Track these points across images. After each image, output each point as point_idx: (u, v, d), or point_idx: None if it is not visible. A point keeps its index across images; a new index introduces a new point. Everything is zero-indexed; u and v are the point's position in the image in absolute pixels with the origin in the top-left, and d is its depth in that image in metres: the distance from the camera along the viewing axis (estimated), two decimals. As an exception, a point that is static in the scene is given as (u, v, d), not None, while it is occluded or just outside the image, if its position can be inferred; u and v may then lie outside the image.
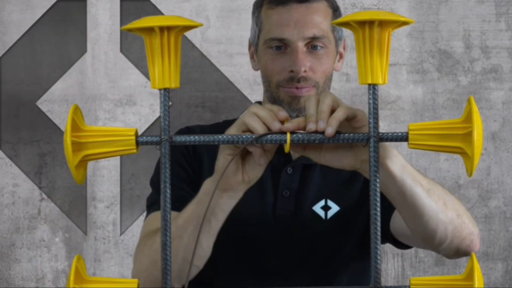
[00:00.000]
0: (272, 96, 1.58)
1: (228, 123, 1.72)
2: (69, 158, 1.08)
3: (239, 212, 1.54)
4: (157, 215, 1.52)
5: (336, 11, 1.62)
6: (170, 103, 1.09)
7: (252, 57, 1.65)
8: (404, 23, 1.04)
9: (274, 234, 1.57)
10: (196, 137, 1.13)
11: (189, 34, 2.52)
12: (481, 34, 2.58)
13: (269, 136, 1.13)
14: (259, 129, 1.17)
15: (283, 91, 1.56)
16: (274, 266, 1.57)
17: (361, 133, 1.11)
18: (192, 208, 1.32)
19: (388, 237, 1.55)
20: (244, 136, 1.15)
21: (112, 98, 2.57)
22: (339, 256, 1.58)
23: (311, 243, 1.57)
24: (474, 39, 2.58)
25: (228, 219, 1.44)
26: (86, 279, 1.08)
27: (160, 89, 1.08)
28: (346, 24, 1.04)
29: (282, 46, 1.55)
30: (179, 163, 1.58)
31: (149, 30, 1.05)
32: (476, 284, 1.03)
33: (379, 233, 1.04)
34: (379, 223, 1.05)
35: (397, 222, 1.49)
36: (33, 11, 2.58)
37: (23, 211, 2.56)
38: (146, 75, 2.55)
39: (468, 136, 1.05)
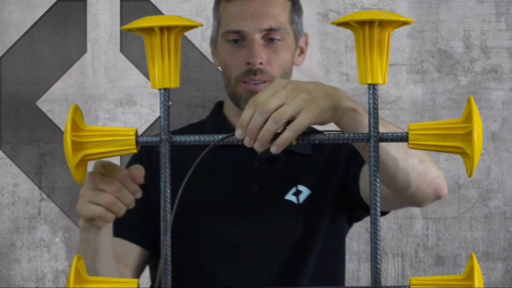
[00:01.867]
0: (232, 92, 1.58)
1: (192, 127, 1.72)
2: (69, 158, 1.08)
3: (209, 215, 1.54)
4: (117, 243, 1.54)
5: (295, 4, 1.62)
6: (170, 103, 1.09)
7: (213, 54, 1.65)
8: (404, 23, 1.04)
9: (248, 230, 1.56)
10: (196, 137, 1.13)
11: (189, 34, 2.52)
12: (481, 34, 2.58)
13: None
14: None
15: (241, 86, 1.55)
16: (250, 262, 1.56)
17: (361, 133, 1.10)
18: (81, 250, 1.38)
19: (363, 205, 1.54)
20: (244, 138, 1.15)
21: (112, 98, 2.57)
22: (313, 238, 1.58)
23: (287, 230, 1.57)
24: (474, 39, 2.58)
25: (196, 223, 1.45)
26: (86, 279, 1.08)
27: (160, 89, 1.08)
28: (346, 24, 1.04)
29: (239, 39, 1.55)
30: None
31: (149, 30, 1.05)
32: (476, 284, 1.03)
33: (379, 233, 1.04)
34: (379, 223, 1.05)
35: (364, 182, 1.50)
36: (33, 11, 2.58)
37: (23, 211, 2.56)
38: (146, 75, 2.55)
39: (468, 136, 1.05)
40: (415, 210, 2.57)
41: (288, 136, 1.12)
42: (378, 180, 1.06)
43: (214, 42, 1.64)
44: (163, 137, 1.08)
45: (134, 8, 2.57)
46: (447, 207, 2.57)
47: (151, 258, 1.60)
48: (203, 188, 1.56)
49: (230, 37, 1.56)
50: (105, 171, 1.23)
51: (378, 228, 1.04)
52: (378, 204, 1.05)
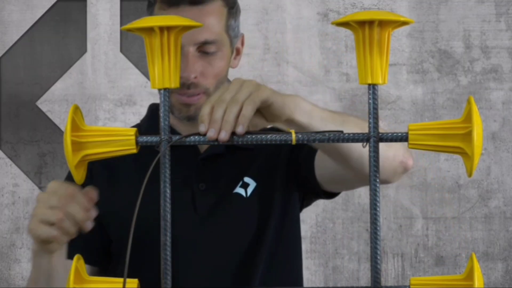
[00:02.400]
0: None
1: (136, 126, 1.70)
2: (69, 157, 1.08)
3: (159, 218, 1.53)
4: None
5: (232, 8, 1.58)
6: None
7: None
8: (404, 23, 1.04)
9: (200, 230, 1.56)
10: (196, 137, 1.13)
11: (189, 34, 2.52)
12: (481, 34, 2.58)
13: (272, 135, 1.13)
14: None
15: (174, 97, 1.53)
16: (205, 260, 1.56)
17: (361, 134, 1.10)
18: (32, 276, 1.39)
19: (318, 190, 1.55)
20: (244, 137, 1.15)
21: (112, 98, 2.57)
22: (265, 228, 1.58)
23: (239, 223, 1.57)
24: (474, 39, 2.58)
25: (148, 227, 1.46)
26: (86, 279, 1.08)
27: (160, 89, 1.08)
28: (346, 24, 1.04)
29: None
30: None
31: (149, 30, 1.05)
32: (476, 284, 1.03)
33: (379, 233, 1.04)
34: (379, 223, 1.05)
35: (321, 168, 1.51)
36: (33, 11, 2.58)
37: (23, 211, 2.56)
38: (146, 75, 2.55)
39: (468, 136, 1.05)
40: (415, 210, 2.57)
41: (247, 110, 1.16)
42: (378, 180, 1.06)
43: None
44: (163, 137, 1.08)
45: (134, 8, 2.57)
46: (447, 207, 2.57)
47: (104, 271, 1.60)
48: (152, 192, 1.56)
49: None
50: (58, 189, 1.26)
51: (378, 228, 1.04)
52: (378, 204, 1.05)
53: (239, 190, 1.58)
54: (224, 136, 1.14)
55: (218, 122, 1.15)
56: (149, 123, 1.66)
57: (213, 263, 1.56)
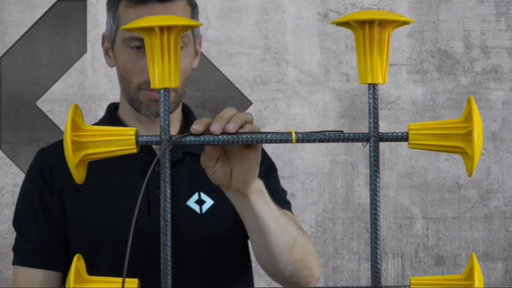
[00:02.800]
0: (131, 98, 1.55)
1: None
2: (69, 157, 1.08)
3: (114, 221, 1.52)
4: (23, 275, 1.58)
5: (194, 8, 1.58)
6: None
7: (107, 53, 1.60)
8: (404, 22, 1.04)
9: (151, 236, 1.53)
10: (196, 137, 1.13)
11: (189, 34, 2.52)
12: (481, 34, 2.58)
13: (272, 135, 1.13)
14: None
15: (143, 93, 1.53)
16: (154, 268, 1.55)
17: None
18: None
19: None
20: (244, 136, 1.15)
21: (112, 98, 2.57)
22: (218, 255, 1.57)
23: (189, 241, 1.54)
24: (474, 39, 2.58)
25: (106, 231, 1.47)
26: (86, 279, 1.08)
27: (160, 89, 1.08)
28: (346, 24, 1.04)
29: (142, 46, 1.51)
30: (39, 201, 1.59)
31: (149, 30, 1.05)
32: (476, 284, 1.03)
33: (379, 233, 1.04)
34: (379, 223, 1.05)
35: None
36: (33, 11, 2.58)
37: (23, 211, 2.56)
38: (146, 75, 2.55)
39: (468, 135, 1.05)
40: (415, 210, 2.57)
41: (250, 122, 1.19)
42: (378, 180, 1.06)
43: (108, 41, 1.59)
44: (163, 136, 1.08)
45: (134, 8, 2.57)
46: (447, 207, 2.57)
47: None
48: (114, 195, 1.55)
49: (132, 44, 1.52)
50: None
51: (378, 228, 1.04)
52: (378, 204, 1.05)
53: (194, 204, 1.56)
54: (232, 127, 1.15)
55: (225, 118, 1.16)
56: (107, 124, 1.61)
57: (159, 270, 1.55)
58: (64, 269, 1.56)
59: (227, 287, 1.55)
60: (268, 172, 1.61)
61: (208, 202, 1.57)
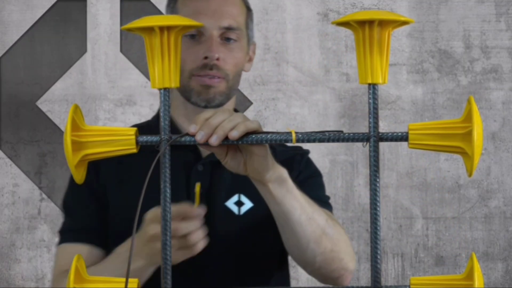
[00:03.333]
0: (183, 86, 1.58)
1: (137, 127, 1.71)
2: (69, 157, 1.08)
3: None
4: (68, 250, 1.56)
5: (249, 11, 1.64)
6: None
7: None
8: (404, 22, 1.04)
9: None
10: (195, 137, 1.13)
11: (189, 34, 2.52)
12: (481, 34, 2.58)
13: (272, 135, 1.13)
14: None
15: (194, 80, 1.56)
16: (186, 265, 1.56)
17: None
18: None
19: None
20: (244, 137, 1.15)
21: (112, 98, 2.57)
22: (254, 257, 1.58)
23: (225, 240, 1.56)
24: (474, 39, 2.58)
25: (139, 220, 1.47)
26: (86, 278, 1.08)
27: (160, 89, 1.08)
28: (346, 24, 1.04)
29: (196, 35, 1.56)
30: (87, 186, 1.59)
31: (149, 30, 1.05)
32: (476, 284, 1.03)
33: (379, 233, 1.04)
34: (379, 223, 1.05)
35: None
36: (33, 11, 2.58)
37: (23, 211, 2.56)
38: (146, 75, 2.55)
39: (468, 135, 1.05)
40: (415, 210, 2.57)
41: (245, 124, 1.18)
42: (378, 180, 1.06)
43: None
44: (163, 136, 1.08)
45: (134, 8, 2.57)
46: (447, 207, 2.57)
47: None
48: (152, 192, 1.56)
49: (188, 32, 1.56)
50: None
51: (378, 228, 1.04)
52: (378, 204, 1.05)
53: (232, 205, 1.58)
54: (214, 140, 1.16)
55: (211, 127, 1.17)
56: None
57: (196, 265, 1.56)
58: (106, 248, 1.58)
59: (262, 287, 1.55)
60: (309, 177, 1.64)
61: (247, 204, 1.59)
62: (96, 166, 1.58)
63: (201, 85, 1.55)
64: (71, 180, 1.66)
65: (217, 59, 1.54)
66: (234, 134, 1.16)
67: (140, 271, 1.37)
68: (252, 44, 1.65)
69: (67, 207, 1.67)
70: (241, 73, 1.61)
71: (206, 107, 1.56)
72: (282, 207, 1.35)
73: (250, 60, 1.66)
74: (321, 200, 1.60)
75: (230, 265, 1.56)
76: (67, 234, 1.60)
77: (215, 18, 1.55)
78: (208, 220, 1.55)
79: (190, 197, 1.56)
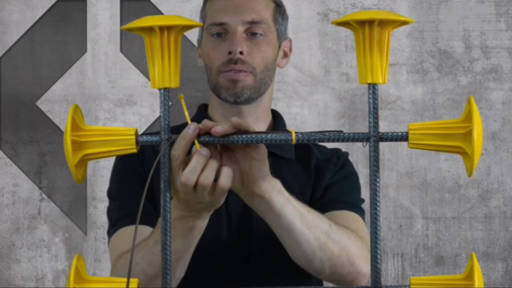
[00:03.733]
0: (213, 84, 1.60)
1: (175, 128, 1.73)
2: (69, 157, 1.08)
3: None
4: (126, 232, 1.55)
5: (280, 6, 1.64)
6: (170, 103, 1.09)
7: (199, 56, 1.68)
8: (404, 22, 1.04)
9: (227, 228, 1.57)
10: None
11: (189, 34, 2.52)
12: (481, 34, 2.58)
13: (272, 135, 1.13)
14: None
15: (222, 76, 1.57)
16: (230, 259, 1.56)
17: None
18: (175, 244, 1.36)
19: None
20: (244, 136, 1.15)
21: (112, 98, 2.57)
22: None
23: (266, 234, 1.54)
24: (474, 39, 2.58)
25: None
26: (86, 279, 1.08)
27: (160, 89, 1.08)
28: (346, 24, 1.04)
29: (222, 33, 1.58)
30: (134, 172, 1.60)
31: (149, 29, 1.05)
32: (476, 284, 1.03)
33: (379, 233, 1.04)
34: (379, 223, 1.05)
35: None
36: (33, 11, 2.58)
37: (23, 211, 2.56)
38: (146, 75, 2.55)
39: (468, 135, 1.05)
40: (415, 210, 2.57)
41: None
42: (378, 180, 1.06)
43: (199, 43, 1.67)
44: (163, 136, 1.08)
45: (134, 8, 2.57)
46: (447, 207, 2.57)
47: None
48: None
49: (213, 30, 1.59)
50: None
51: (378, 228, 1.04)
52: (378, 204, 1.05)
53: None
54: (219, 129, 1.15)
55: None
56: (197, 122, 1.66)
57: (238, 260, 1.57)
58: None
59: (299, 287, 1.55)
60: (342, 179, 1.63)
61: None
62: (140, 154, 1.56)
63: (228, 80, 1.57)
64: (118, 170, 1.65)
65: (241, 53, 1.55)
66: (218, 129, 1.15)
67: (181, 222, 1.28)
68: (286, 40, 1.66)
69: (116, 196, 1.65)
70: (272, 68, 1.61)
71: (236, 102, 1.58)
72: (282, 218, 1.33)
73: (286, 56, 1.67)
74: (349, 202, 1.59)
75: (271, 264, 1.57)
76: (122, 221, 1.58)
77: (238, 14, 1.57)
78: (248, 215, 1.56)
79: (228, 192, 1.57)
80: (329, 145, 1.60)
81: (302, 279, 1.55)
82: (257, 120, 1.61)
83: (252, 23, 1.57)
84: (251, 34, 1.58)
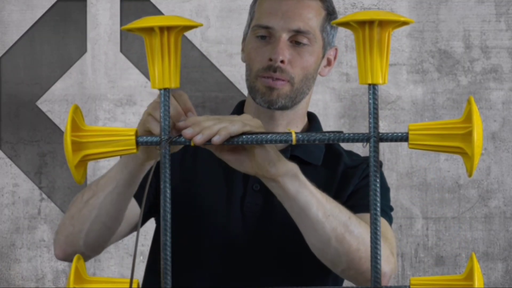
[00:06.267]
0: (250, 86, 1.59)
1: None
2: (69, 157, 1.08)
3: (206, 201, 1.56)
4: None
5: (331, 15, 1.61)
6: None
7: (242, 49, 1.66)
8: (404, 23, 1.04)
9: (240, 227, 1.57)
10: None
11: (189, 34, 2.52)
12: (481, 34, 2.58)
13: (272, 135, 1.13)
14: (157, 130, 1.22)
15: (259, 81, 1.56)
16: (241, 259, 1.56)
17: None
18: (115, 171, 1.39)
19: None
20: (244, 136, 1.15)
21: (112, 98, 2.57)
22: (311, 255, 1.57)
23: (281, 238, 1.56)
24: (474, 39, 2.58)
25: (192, 205, 1.49)
26: (86, 279, 1.08)
27: (160, 89, 1.08)
28: (346, 24, 1.04)
29: (267, 36, 1.56)
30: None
31: (149, 30, 1.05)
32: (476, 284, 1.03)
33: (379, 233, 1.04)
34: (379, 223, 1.05)
35: None
36: (33, 11, 2.58)
37: (23, 211, 2.56)
38: (146, 75, 2.55)
39: (468, 136, 1.05)
40: (415, 210, 2.57)
41: (233, 126, 1.19)
42: (378, 180, 1.06)
43: (245, 37, 1.65)
44: (163, 137, 1.08)
45: (134, 8, 2.57)
46: (447, 207, 2.57)
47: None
48: (211, 184, 1.57)
49: (258, 32, 1.57)
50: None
51: (378, 228, 1.04)
52: (378, 204, 1.05)
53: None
54: (199, 139, 1.17)
55: (199, 126, 1.18)
56: None
57: (252, 262, 1.56)
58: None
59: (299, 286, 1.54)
60: (367, 185, 1.60)
61: None
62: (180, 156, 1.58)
63: (265, 86, 1.55)
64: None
65: (282, 61, 1.53)
66: (216, 139, 1.17)
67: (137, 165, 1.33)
68: (332, 49, 1.63)
69: None
70: (312, 78, 1.59)
71: (269, 108, 1.56)
72: (297, 202, 1.32)
73: (329, 64, 1.64)
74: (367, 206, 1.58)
75: (288, 266, 1.56)
76: None
77: (285, 20, 1.55)
78: (263, 216, 1.55)
79: (246, 193, 1.58)
80: (362, 153, 1.59)
81: None
82: (289, 124, 1.59)
83: (298, 32, 1.54)
84: (296, 42, 1.55)
